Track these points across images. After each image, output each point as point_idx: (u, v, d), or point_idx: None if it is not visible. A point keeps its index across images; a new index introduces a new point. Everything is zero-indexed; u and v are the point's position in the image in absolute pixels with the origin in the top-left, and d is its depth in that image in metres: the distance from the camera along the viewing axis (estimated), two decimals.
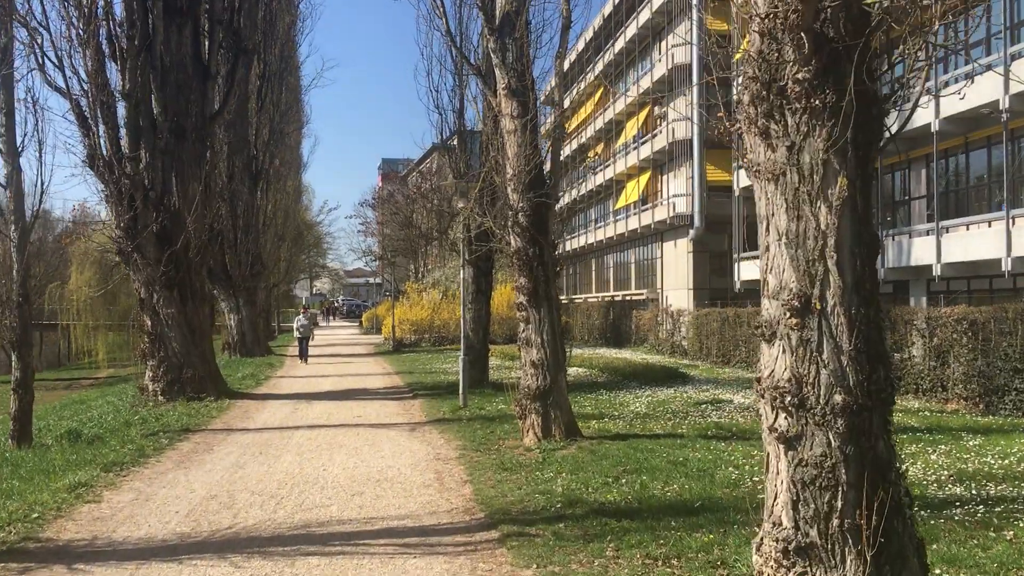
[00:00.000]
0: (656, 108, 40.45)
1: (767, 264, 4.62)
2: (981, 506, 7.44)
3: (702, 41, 32.98)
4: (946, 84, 21.59)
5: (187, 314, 18.45)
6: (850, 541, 4.32)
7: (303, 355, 30.27)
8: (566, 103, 15.24)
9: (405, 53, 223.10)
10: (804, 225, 4.38)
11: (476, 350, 19.49)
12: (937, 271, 21.56)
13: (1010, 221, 19.20)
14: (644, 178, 41.39)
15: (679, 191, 37.08)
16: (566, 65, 13.28)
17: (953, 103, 19.94)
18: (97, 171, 17.61)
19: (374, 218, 68.27)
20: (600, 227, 49.20)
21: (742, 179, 31.14)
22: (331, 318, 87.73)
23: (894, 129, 4.43)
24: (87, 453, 11.61)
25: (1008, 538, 6.46)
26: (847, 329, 4.34)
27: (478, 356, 19.59)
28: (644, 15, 39.87)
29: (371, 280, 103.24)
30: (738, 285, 31.89)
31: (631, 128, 43.03)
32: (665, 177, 39.63)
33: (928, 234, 22.34)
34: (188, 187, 18.56)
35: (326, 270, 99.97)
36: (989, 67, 19.35)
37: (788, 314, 4.45)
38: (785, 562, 4.42)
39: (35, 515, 8.20)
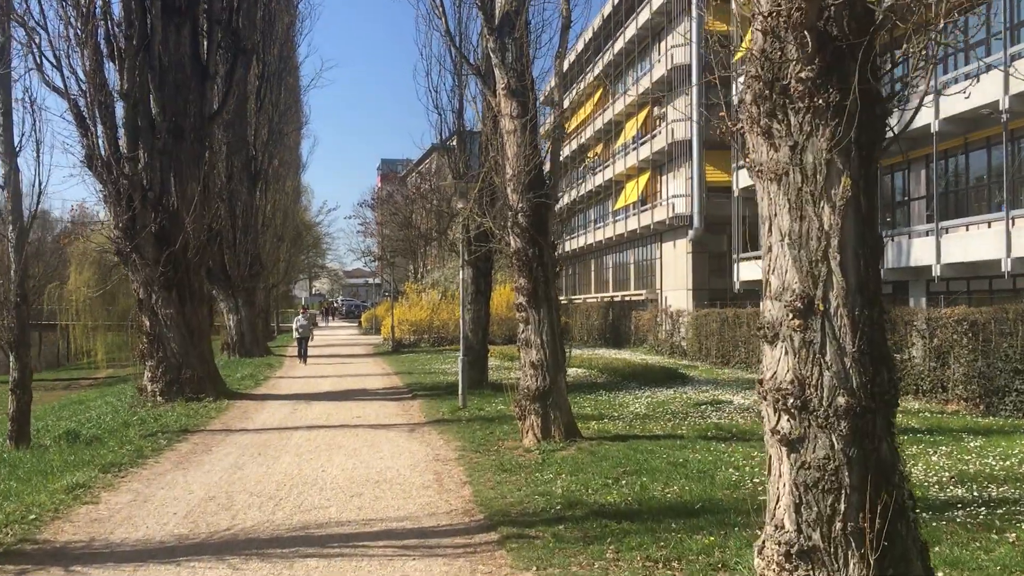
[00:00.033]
0: (655, 109, 40.43)
1: (769, 265, 4.58)
2: (983, 508, 7.40)
3: (702, 41, 32.99)
4: (945, 85, 21.57)
5: (186, 315, 18.41)
6: (853, 544, 4.28)
7: (302, 355, 30.22)
8: (565, 103, 15.19)
9: (404, 53, 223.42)
10: (807, 226, 4.35)
11: (475, 351, 19.46)
12: (937, 272, 21.53)
13: (1010, 222, 19.18)
14: (643, 179, 41.37)
15: (678, 192, 37.06)
16: (565, 66, 13.25)
17: (952, 104, 19.93)
18: (95, 171, 17.57)
19: (373, 218, 68.24)
20: (599, 228, 49.18)
21: (741, 180, 31.13)
22: (330, 318, 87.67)
23: (898, 129, 4.39)
24: (85, 454, 11.57)
25: (1011, 540, 6.42)
26: (850, 331, 4.30)
27: (477, 357, 19.56)
28: (644, 15, 39.86)
29: (370, 280, 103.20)
30: (737, 286, 31.88)
31: (630, 129, 43.01)
32: (664, 178, 39.61)
33: (928, 235, 22.31)
34: (187, 187, 18.52)
35: (325, 270, 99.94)
36: (989, 68, 19.34)
37: (791, 315, 4.41)
38: (787, 565, 4.38)
39: (32, 516, 8.16)
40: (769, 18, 4.17)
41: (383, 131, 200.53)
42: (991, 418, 13.69)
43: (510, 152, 11.77)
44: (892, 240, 23.74)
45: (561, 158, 13.68)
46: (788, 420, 4.45)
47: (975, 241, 20.66)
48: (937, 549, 6.04)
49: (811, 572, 4.36)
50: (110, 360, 40.48)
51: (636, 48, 42.11)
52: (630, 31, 41.91)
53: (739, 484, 8.68)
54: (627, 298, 42.33)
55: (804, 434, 4.40)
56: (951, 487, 8.41)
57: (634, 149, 42.24)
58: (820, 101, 4.16)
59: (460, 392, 16.08)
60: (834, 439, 4.32)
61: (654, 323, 33.18)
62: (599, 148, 49.22)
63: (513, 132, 11.67)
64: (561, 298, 15.89)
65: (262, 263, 37.94)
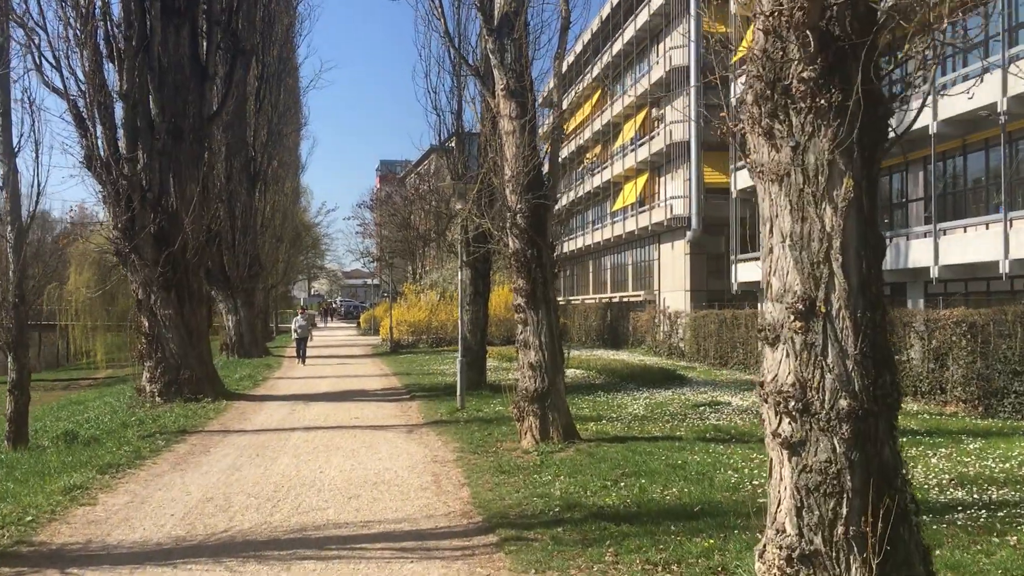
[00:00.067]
0: (654, 110, 40.43)
1: (770, 266, 4.56)
2: (983, 511, 7.38)
3: (701, 41, 33.02)
4: (943, 87, 21.57)
5: (184, 315, 18.37)
6: (855, 549, 4.25)
7: (301, 356, 30.17)
8: (564, 105, 15.17)
9: (403, 54, 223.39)
10: (809, 227, 4.32)
11: (474, 351, 19.43)
12: (935, 273, 21.52)
13: (1008, 223, 19.17)
14: (642, 180, 41.37)
15: (676, 193, 37.05)
16: (564, 67, 13.22)
17: (950, 106, 19.92)
18: (94, 172, 17.54)
19: (372, 219, 68.20)
20: (598, 229, 49.16)
21: (739, 181, 31.12)
22: (329, 319, 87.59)
23: (900, 129, 4.36)
24: (83, 455, 11.53)
25: (1012, 543, 6.40)
26: (852, 333, 4.28)
27: (476, 358, 19.53)
28: (642, 17, 39.86)
29: (369, 281, 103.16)
30: (735, 287, 31.87)
31: (629, 130, 43.01)
32: (662, 179, 39.61)
33: (926, 236, 22.30)
34: (186, 188, 18.48)
35: (324, 271, 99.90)
36: (987, 70, 19.33)
37: (792, 317, 4.38)
38: (789, 570, 4.35)
39: (29, 518, 8.12)
40: (771, 17, 4.15)
41: (382, 132, 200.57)
42: (990, 420, 13.67)
43: (509, 153, 11.74)
44: (890, 241, 23.73)
45: (560, 159, 13.65)
46: (789, 423, 4.42)
47: (973, 243, 20.64)
48: (938, 552, 6.01)
49: None
50: (109, 360, 40.43)
51: (634, 50, 42.11)
52: (628, 33, 41.91)
53: (738, 486, 8.65)
54: (625, 299, 42.31)
55: (806, 437, 4.37)
56: (951, 489, 8.38)
57: (632, 150, 42.23)
58: (822, 101, 4.14)
59: (458, 393, 16.05)
60: (836, 442, 4.29)
61: (652, 324, 33.16)
62: (597, 149, 49.22)
63: (512, 133, 11.65)
64: (559, 299, 15.90)
65: (261, 264, 37.90)
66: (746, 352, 24.36)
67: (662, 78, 37.39)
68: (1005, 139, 19.73)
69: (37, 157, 13.19)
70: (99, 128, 17.34)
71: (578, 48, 48.94)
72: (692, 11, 33.98)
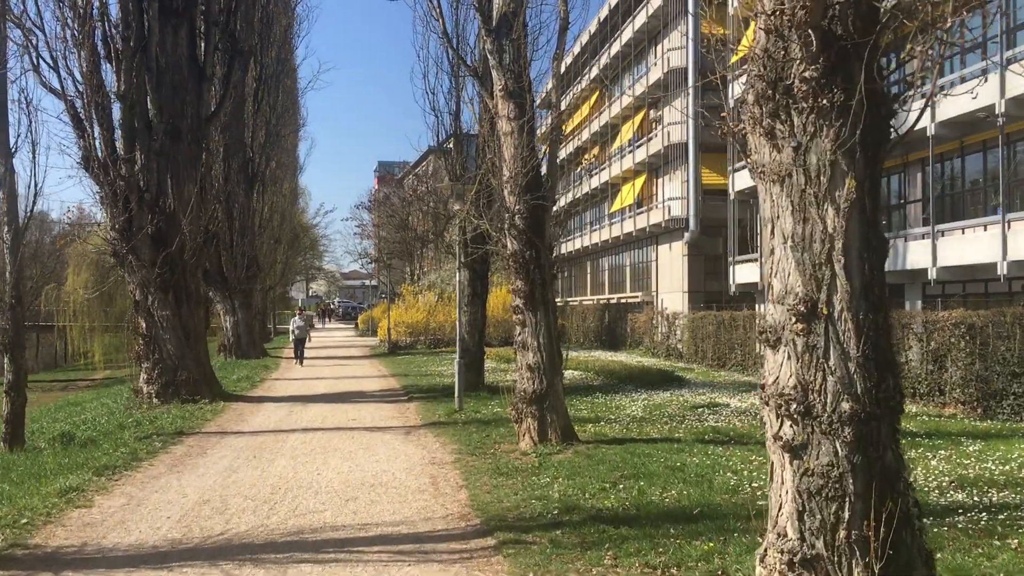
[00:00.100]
0: (652, 112, 40.43)
1: (772, 268, 4.51)
2: (984, 513, 7.34)
3: (699, 42, 32.99)
4: (942, 88, 21.55)
5: (182, 316, 18.31)
6: (858, 553, 4.21)
7: (299, 357, 30.11)
8: (563, 106, 15.12)
9: (401, 56, 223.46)
10: (811, 228, 4.28)
11: (472, 353, 19.38)
12: (932, 275, 21.51)
13: (1006, 225, 19.16)
14: (639, 181, 41.36)
15: (674, 194, 37.05)
16: (562, 68, 13.17)
17: (948, 107, 19.90)
18: (92, 173, 17.48)
19: (370, 220, 68.16)
20: (595, 230, 49.14)
21: (737, 182, 31.11)
22: (327, 320, 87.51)
23: (903, 129, 4.33)
24: (79, 456, 11.47)
25: (1013, 547, 6.36)
26: (855, 335, 4.24)
27: (474, 359, 19.49)
28: (640, 19, 39.86)
29: (367, 282, 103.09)
30: (733, 288, 31.86)
31: (626, 131, 43.01)
32: (660, 180, 39.59)
33: (924, 237, 22.29)
34: (183, 189, 18.42)
35: (322, 272, 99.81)
36: (985, 71, 19.33)
37: (794, 319, 4.34)
38: (790, 574, 4.31)
39: (24, 521, 8.07)
40: (772, 16, 4.11)
41: (380, 133, 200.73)
42: (989, 422, 13.65)
43: (507, 154, 11.70)
44: (889, 243, 23.68)
45: (558, 160, 13.61)
46: (791, 426, 4.38)
47: (971, 244, 20.64)
48: (939, 556, 5.97)
49: None
50: (107, 361, 40.34)
51: (632, 51, 42.11)
52: (627, 34, 41.91)
53: (738, 488, 8.61)
54: (623, 300, 42.29)
55: (807, 440, 4.33)
56: (951, 492, 8.35)
57: (630, 152, 42.23)
58: (824, 101, 4.10)
59: (456, 394, 16.00)
60: (838, 446, 4.25)
61: (650, 325, 33.13)
62: (595, 151, 49.21)
63: (510, 134, 11.61)
64: (557, 300, 15.85)
65: (259, 265, 37.83)
66: (744, 353, 24.34)
67: (660, 79, 37.39)
68: (1003, 141, 19.72)
69: (34, 158, 13.17)
70: (97, 129, 17.29)
71: (576, 50, 48.94)
72: (690, 12, 33.98)
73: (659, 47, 38.88)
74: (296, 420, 15.55)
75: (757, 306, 29.82)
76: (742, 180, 30.70)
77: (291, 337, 31.90)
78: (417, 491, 9.21)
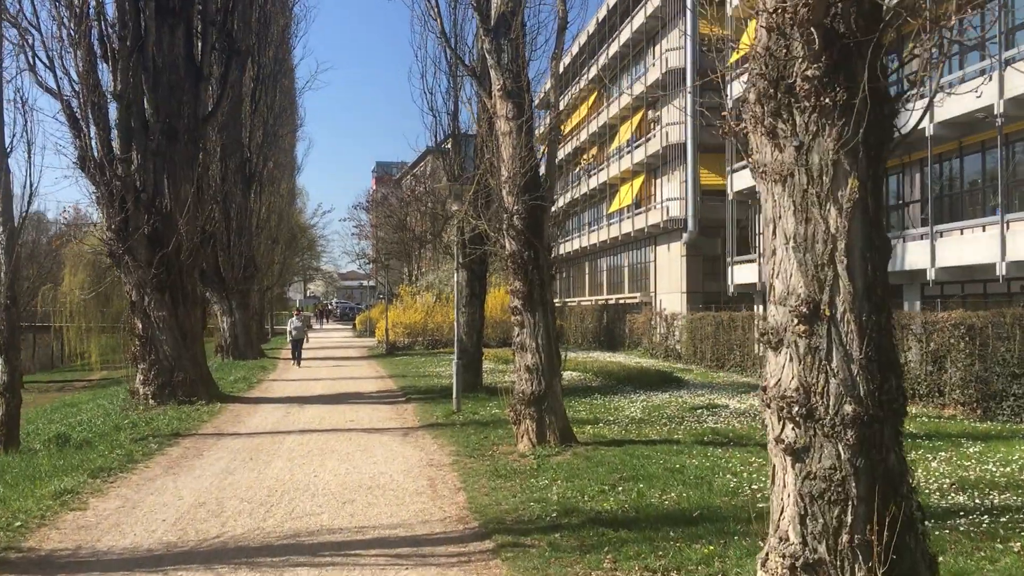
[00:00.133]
0: (650, 112, 40.39)
1: (773, 269, 4.46)
2: (986, 516, 7.29)
3: (698, 42, 32.94)
4: (941, 88, 21.51)
5: (178, 317, 18.24)
6: (860, 558, 4.16)
7: (296, 358, 30.04)
8: (561, 106, 15.06)
9: (399, 56, 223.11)
10: (813, 228, 4.23)
11: (470, 354, 19.32)
12: (931, 275, 21.47)
13: (1004, 225, 19.13)
14: (638, 182, 41.32)
15: (673, 195, 37.01)
16: (561, 68, 13.11)
17: (947, 107, 19.87)
18: (88, 173, 17.40)
19: (368, 221, 68.11)
20: (594, 231, 49.10)
21: (736, 183, 31.07)
22: (324, 321, 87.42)
23: (907, 128, 4.27)
24: (74, 458, 11.39)
25: (1016, 550, 6.31)
26: (858, 336, 4.19)
27: (472, 360, 19.43)
28: (638, 19, 39.83)
29: (365, 283, 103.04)
30: (731, 289, 31.83)
31: (625, 132, 42.97)
32: (659, 181, 39.55)
33: (922, 238, 22.25)
34: (180, 189, 18.35)
35: (320, 273, 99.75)
36: (984, 72, 19.30)
37: (796, 321, 4.29)
38: None
39: (18, 523, 8.00)
40: (774, 14, 4.06)
41: (378, 134, 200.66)
42: (988, 423, 13.61)
43: (505, 154, 11.64)
44: None
45: (557, 161, 13.56)
46: (793, 429, 4.33)
47: (970, 245, 20.61)
48: (941, 559, 5.91)
49: None
50: (104, 362, 40.23)
51: (631, 52, 42.07)
52: (625, 35, 41.87)
53: (737, 491, 8.56)
54: (621, 301, 42.24)
55: (809, 443, 4.28)
56: (952, 494, 8.30)
57: (628, 152, 42.18)
58: (827, 100, 4.05)
59: (454, 396, 15.94)
60: (841, 448, 4.20)
61: (649, 326, 33.08)
62: (593, 151, 49.18)
63: (509, 134, 11.55)
64: (555, 301, 15.80)
65: (256, 265, 37.74)
66: (743, 354, 24.29)
67: (658, 80, 37.36)
68: (1002, 141, 19.70)
69: (29, 157, 13.08)
70: (93, 128, 17.20)
71: (575, 50, 48.90)
72: (688, 12, 33.95)
73: (657, 47, 38.85)
74: (293, 421, 15.48)
75: (756, 307, 29.78)
76: (741, 180, 30.66)
77: (288, 338, 31.81)
78: (415, 493, 9.15)
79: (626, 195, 42.66)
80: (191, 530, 7.77)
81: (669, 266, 38.15)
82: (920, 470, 9.47)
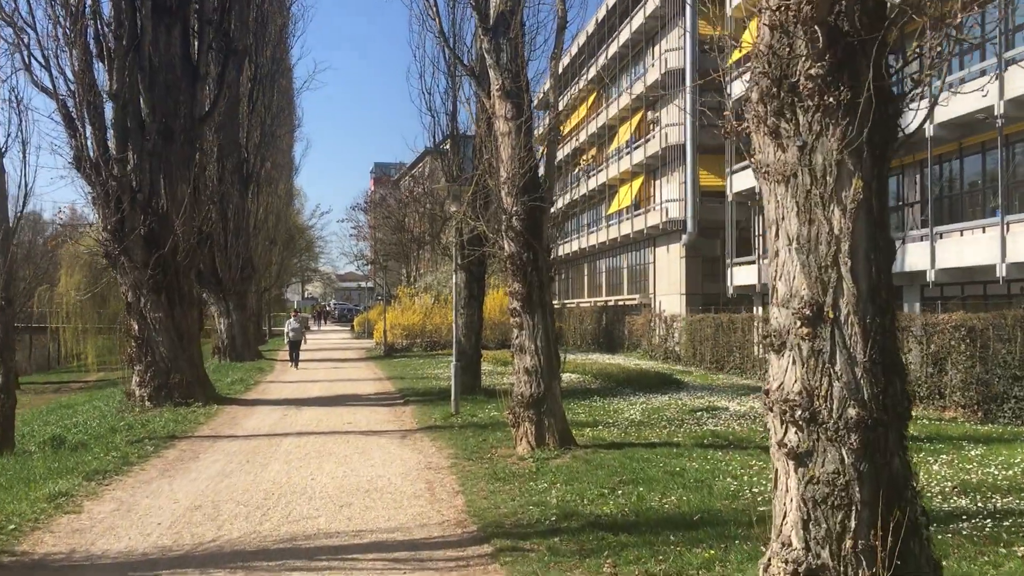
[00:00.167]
0: (649, 113, 40.35)
1: (776, 270, 4.39)
2: (989, 520, 7.22)
3: (697, 43, 32.88)
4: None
5: (175, 318, 18.15)
6: (864, 563, 4.09)
7: (294, 360, 29.96)
8: (560, 106, 15.00)
9: (398, 56, 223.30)
10: (816, 229, 4.16)
11: (468, 356, 19.24)
12: (931, 277, 21.44)
13: (1005, 227, 19.09)
14: (637, 183, 41.28)
15: (672, 196, 36.97)
16: (560, 68, 13.03)
17: (947, 108, 19.82)
18: (84, 173, 17.31)
19: (366, 222, 68.05)
20: (593, 232, 49.05)
21: (735, 184, 31.04)
22: (322, 322, 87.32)
23: (912, 127, 4.21)
24: (70, 460, 11.30)
25: (1020, 554, 6.24)
26: (861, 339, 4.12)
27: (470, 362, 19.35)
28: (638, 20, 39.80)
29: (363, 284, 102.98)
30: (731, 290, 31.79)
31: (624, 133, 42.93)
32: (658, 182, 39.51)
33: (922, 240, 22.21)
34: (176, 189, 18.26)
35: (318, 274, 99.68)
36: (984, 72, 19.27)
37: (799, 323, 4.23)
38: None
39: (12, 527, 7.92)
40: (778, 12, 3.99)
41: (376, 135, 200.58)
42: (990, 425, 13.55)
43: (504, 154, 11.57)
44: None
45: (556, 161, 13.49)
46: (796, 432, 4.26)
47: (970, 246, 20.57)
48: (945, 564, 5.85)
49: None
50: (101, 363, 40.13)
51: (630, 52, 42.04)
52: (624, 35, 41.84)
53: (738, 494, 8.49)
54: (620, 302, 42.19)
55: (813, 447, 4.22)
56: (954, 497, 8.23)
57: (628, 153, 42.14)
58: (831, 99, 3.99)
59: (453, 398, 15.87)
60: (844, 453, 4.14)
61: (648, 328, 33.02)
62: (593, 152, 49.13)
63: (507, 134, 11.48)
64: (554, 303, 15.73)
65: (254, 266, 37.65)
66: (742, 356, 24.23)
67: (657, 80, 37.32)
68: (1002, 142, 19.66)
69: (24, 157, 13.05)
70: (88, 128, 17.11)
71: (573, 51, 48.87)
72: (688, 12, 33.91)
73: (657, 48, 38.81)
74: (290, 424, 15.40)
75: (755, 308, 29.73)
76: (740, 182, 30.62)
77: (286, 339, 31.73)
78: (413, 497, 9.08)
79: (625, 196, 42.61)
80: (186, 533, 7.69)
81: (668, 268, 38.10)
82: (922, 473, 9.40)
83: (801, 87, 4.07)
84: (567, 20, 11.63)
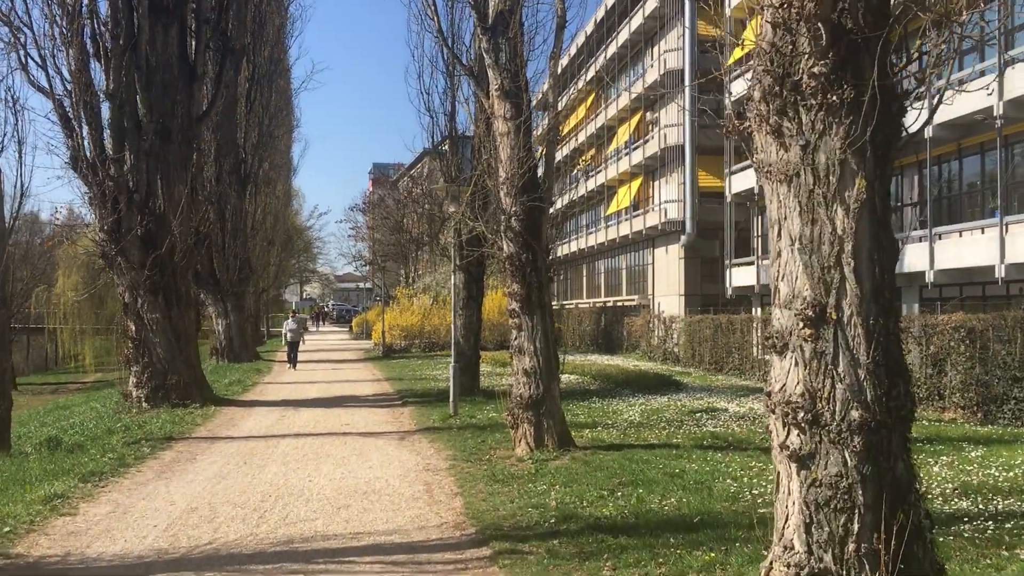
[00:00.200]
0: (648, 114, 40.32)
1: (778, 271, 4.34)
2: (990, 522, 7.18)
3: (696, 43, 32.82)
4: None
5: (172, 319, 18.07)
6: (867, 567, 4.05)
7: (292, 361, 29.89)
8: (559, 106, 14.94)
9: (396, 56, 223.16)
10: (819, 229, 4.12)
11: (467, 357, 19.19)
12: (930, 278, 21.41)
13: (1004, 228, 19.07)
14: (636, 184, 41.25)
15: (671, 197, 36.93)
16: (559, 69, 12.96)
17: (946, 109, 19.79)
18: (80, 173, 17.23)
19: (364, 223, 68.01)
20: (591, 233, 49.02)
21: (734, 185, 31.01)
22: (321, 323, 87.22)
23: (916, 126, 4.17)
24: (66, 462, 11.23)
25: (1022, 557, 6.20)
26: (865, 340, 4.07)
27: (469, 363, 19.29)
28: (636, 20, 39.77)
29: (361, 285, 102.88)
30: (730, 291, 31.76)
31: (623, 134, 42.89)
32: (657, 183, 39.47)
33: (921, 241, 22.19)
34: (174, 190, 18.19)
35: (316, 275, 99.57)
36: (983, 73, 19.24)
37: (801, 324, 4.18)
38: None
39: (7, 529, 7.85)
40: (780, 9, 3.95)
41: (375, 134, 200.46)
42: (989, 426, 13.52)
43: (503, 155, 11.52)
44: None
45: (555, 162, 13.44)
46: (798, 435, 4.21)
47: (968, 247, 20.55)
48: (947, 567, 5.80)
49: None
50: (98, 364, 40.05)
51: (629, 53, 42.00)
52: (623, 36, 41.81)
53: (738, 496, 8.44)
54: (619, 303, 42.15)
55: (815, 450, 4.17)
56: (955, 499, 8.19)
57: (626, 154, 42.11)
58: (834, 98, 3.94)
59: (451, 399, 15.81)
60: (847, 455, 4.09)
61: (647, 329, 32.98)
62: (592, 153, 49.10)
63: (506, 134, 11.43)
64: (553, 303, 15.69)
65: (251, 267, 37.57)
66: (741, 357, 24.19)
67: (656, 81, 37.29)
68: (1001, 143, 19.64)
69: (20, 157, 12.97)
70: (85, 128, 17.04)
71: (572, 51, 48.84)
72: (687, 13, 33.89)
73: (655, 49, 38.78)
74: (288, 425, 15.34)
75: (754, 309, 29.70)
76: (739, 183, 30.59)
77: (284, 340, 31.66)
78: (411, 499, 9.02)
79: (624, 197, 42.57)
80: (183, 536, 7.63)
81: (667, 268, 38.06)
82: (922, 475, 9.34)
83: (804, 85, 4.02)
84: (566, 19, 11.59)
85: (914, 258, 22.22)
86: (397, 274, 58.24)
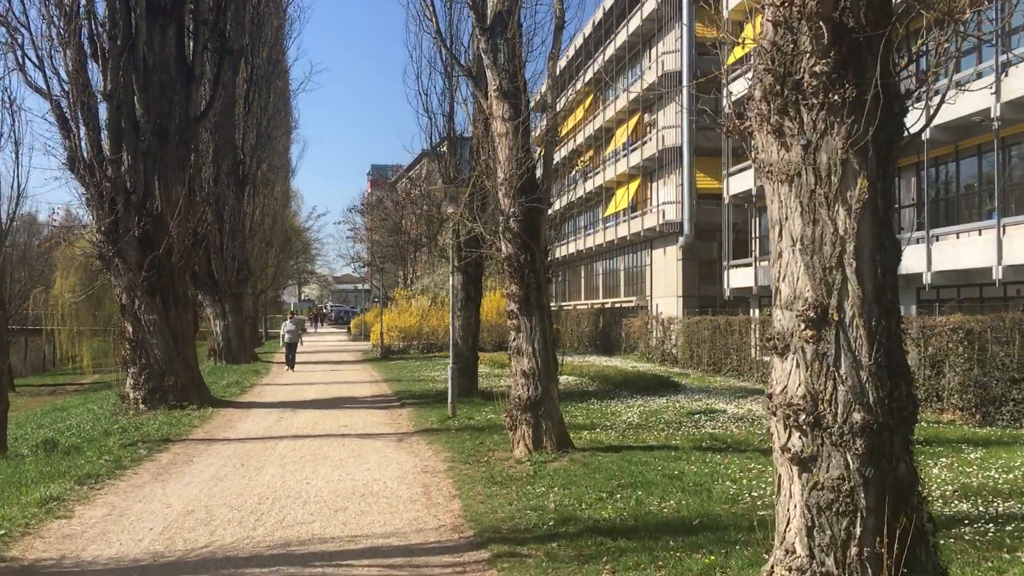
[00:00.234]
0: (646, 115, 40.32)
1: (780, 272, 4.31)
2: (991, 524, 7.15)
3: (694, 45, 32.80)
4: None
5: (170, 320, 18.02)
6: (870, 571, 4.01)
7: (290, 362, 29.83)
8: (558, 107, 14.92)
9: (395, 57, 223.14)
10: (821, 230, 4.08)
11: (465, 358, 19.15)
12: (927, 280, 21.39)
13: (1001, 229, 19.05)
14: (634, 185, 41.23)
15: (669, 198, 36.92)
16: (557, 70, 12.92)
17: (943, 111, 19.79)
18: (77, 174, 17.18)
19: (363, 224, 67.96)
20: (589, 234, 49.00)
21: (732, 186, 31.00)
22: (319, 324, 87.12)
23: (918, 126, 4.13)
24: (62, 464, 11.18)
25: None
26: (867, 342, 4.04)
27: (467, 364, 19.25)
28: (635, 22, 39.77)
29: (360, 286, 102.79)
30: (727, 292, 31.74)
31: (621, 135, 42.88)
32: (655, 184, 39.46)
33: (918, 242, 22.16)
34: (171, 191, 18.14)
35: (314, 276, 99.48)
36: (981, 74, 19.20)
37: (803, 325, 4.14)
38: None
39: (2, 532, 7.81)
40: (781, 8, 3.91)
41: (374, 136, 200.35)
42: (988, 428, 13.50)
43: (502, 155, 11.49)
44: None
45: (553, 163, 13.41)
46: (800, 437, 4.18)
47: (966, 249, 20.53)
48: (949, 570, 5.77)
49: None
50: (96, 365, 39.98)
51: (627, 54, 42.00)
52: (621, 37, 41.81)
53: (737, 498, 8.41)
54: (617, 305, 42.12)
55: (817, 452, 4.13)
56: (955, 502, 8.16)
57: (624, 156, 42.10)
58: (835, 97, 3.90)
59: (450, 400, 15.77)
60: (849, 458, 4.05)
61: (645, 330, 32.96)
62: (590, 154, 49.09)
63: (505, 135, 11.40)
64: (551, 305, 15.66)
65: (250, 268, 37.50)
66: (740, 358, 24.16)
67: (654, 83, 37.28)
68: (998, 145, 19.63)
69: (17, 158, 12.89)
70: (82, 129, 16.98)
71: (571, 52, 48.82)
72: (685, 14, 33.89)
73: (653, 50, 38.78)
74: (286, 427, 15.29)
75: (752, 310, 29.67)
76: (737, 184, 30.58)
77: (282, 342, 31.58)
78: (409, 501, 8.98)
79: (622, 199, 42.56)
80: (179, 539, 7.58)
81: (665, 270, 38.04)
82: (922, 476, 9.31)
83: (805, 84, 3.99)
84: (564, 20, 11.57)
85: (911, 260, 22.19)
86: (395, 275, 58.17)
